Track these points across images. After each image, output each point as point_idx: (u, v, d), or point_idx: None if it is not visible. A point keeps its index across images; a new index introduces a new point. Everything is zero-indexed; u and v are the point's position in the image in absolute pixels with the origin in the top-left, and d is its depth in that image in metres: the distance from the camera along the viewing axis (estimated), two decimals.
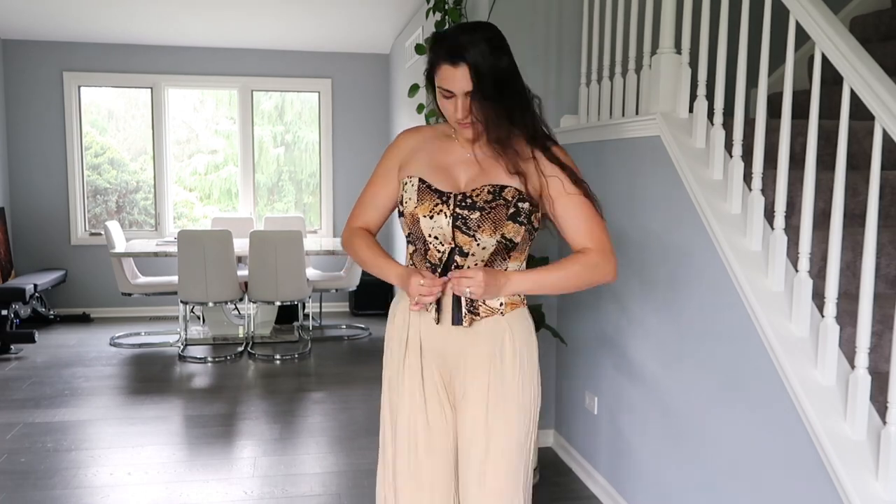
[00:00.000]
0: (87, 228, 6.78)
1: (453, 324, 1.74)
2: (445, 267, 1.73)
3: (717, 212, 2.24)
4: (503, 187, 1.70)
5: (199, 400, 4.37)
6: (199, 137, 7.41)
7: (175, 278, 5.46)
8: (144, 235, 6.78)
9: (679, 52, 2.56)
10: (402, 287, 1.76)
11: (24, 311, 6.01)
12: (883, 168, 1.99)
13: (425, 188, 1.73)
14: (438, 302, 1.74)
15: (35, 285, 5.66)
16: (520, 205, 1.71)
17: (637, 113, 2.75)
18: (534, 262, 3.19)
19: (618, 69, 2.91)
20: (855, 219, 2.25)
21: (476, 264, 1.72)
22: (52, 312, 6.50)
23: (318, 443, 3.73)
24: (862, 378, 1.76)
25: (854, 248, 2.10)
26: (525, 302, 1.84)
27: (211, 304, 5.40)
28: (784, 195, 2.04)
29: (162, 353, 5.48)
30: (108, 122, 7.02)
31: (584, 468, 3.24)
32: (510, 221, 1.70)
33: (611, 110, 2.97)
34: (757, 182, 2.14)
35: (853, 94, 1.82)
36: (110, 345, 5.70)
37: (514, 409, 1.77)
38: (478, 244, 1.70)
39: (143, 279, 5.87)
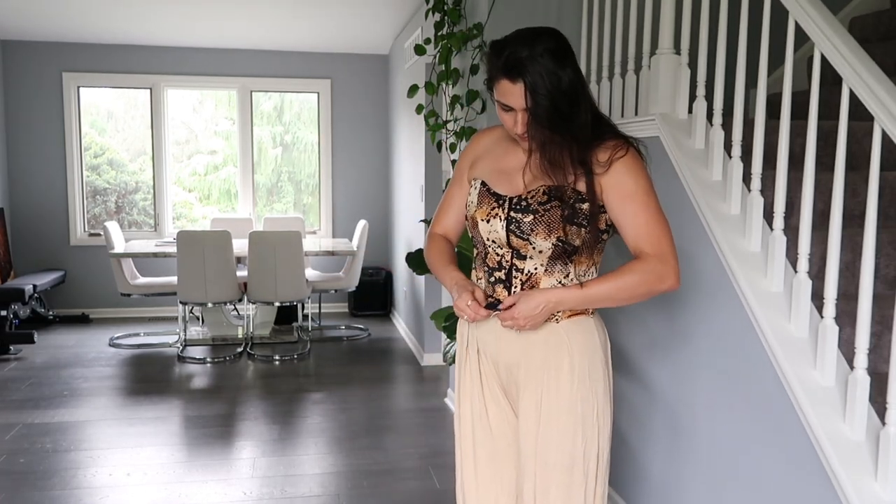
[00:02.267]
0: (87, 229, 6.78)
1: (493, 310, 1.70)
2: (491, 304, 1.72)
3: (717, 212, 2.24)
4: (560, 188, 1.64)
5: (198, 401, 4.36)
6: (198, 138, 7.41)
7: (174, 279, 5.46)
8: (144, 236, 6.78)
9: (678, 52, 2.56)
10: (455, 294, 1.73)
11: (24, 312, 6.00)
12: (882, 169, 1.99)
13: (485, 191, 1.74)
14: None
15: (34, 286, 5.66)
16: (577, 206, 1.65)
17: (636, 114, 2.75)
18: None
19: (617, 70, 2.91)
20: (854, 219, 2.25)
21: (536, 268, 1.69)
22: (51, 313, 6.50)
23: (318, 443, 3.73)
24: (861, 379, 1.76)
25: (853, 248, 2.10)
26: (590, 311, 1.77)
27: (210, 305, 5.40)
28: (783, 196, 2.04)
29: (161, 354, 5.48)
30: (107, 123, 7.02)
31: None
32: (567, 223, 1.64)
33: (610, 111, 2.97)
34: (756, 183, 2.14)
35: (852, 95, 1.82)
36: (109, 345, 5.70)
37: (568, 423, 1.70)
38: (533, 247, 1.68)
39: (142, 280, 5.87)
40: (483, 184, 1.74)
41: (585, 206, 1.65)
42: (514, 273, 1.71)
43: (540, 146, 1.64)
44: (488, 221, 1.71)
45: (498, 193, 1.72)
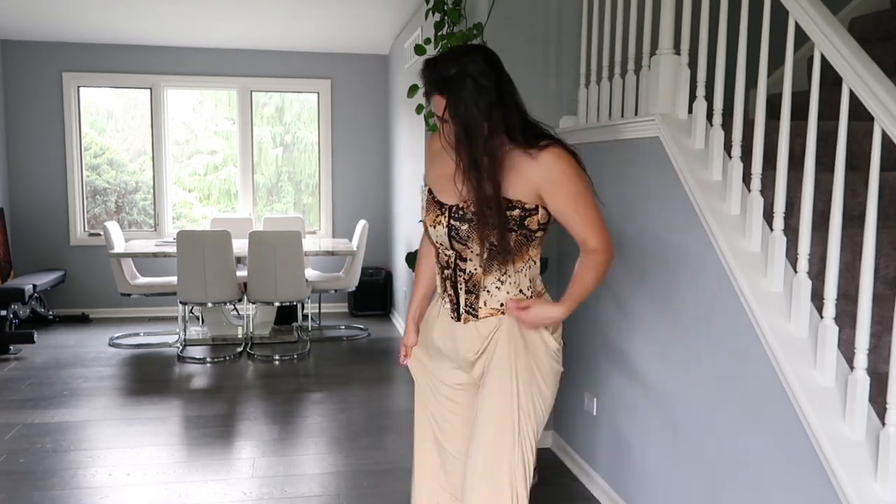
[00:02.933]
0: (87, 229, 6.78)
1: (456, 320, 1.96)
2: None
3: (717, 213, 2.24)
4: (488, 198, 1.77)
5: (198, 401, 4.36)
6: (198, 138, 7.41)
7: (174, 279, 5.46)
8: (143, 236, 6.78)
9: (678, 52, 2.56)
10: (407, 330, 2.17)
11: (24, 312, 6.00)
12: (882, 169, 1.99)
13: (431, 199, 1.90)
14: (454, 302, 1.95)
15: (34, 286, 5.66)
16: (509, 212, 1.79)
17: (636, 114, 2.75)
18: None
19: (617, 70, 2.91)
20: (854, 220, 2.25)
21: (476, 269, 1.88)
22: (51, 313, 6.50)
23: (317, 443, 3.73)
24: (861, 379, 1.76)
25: (853, 249, 2.10)
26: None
27: (210, 305, 5.40)
28: (783, 196, 2.04)
29: (161, 354, 5.48)
30: (107, 123, 7.02)
31: (583, 469, 3.24)
32: (498, 230, 1.78)
33: (610, 111, 2.97)
34: (756, 183, 2.14)
35: (852, 95, 1.82)
36: (109, 345, 5.69)
37: (498, 394, 1.90)
38: (471, 251, 1.85)
39: (142, 280, 5.87)
40: (430, 191, 1.91)
41: (517, 212, 1.80)
42: (458, 272, 1.90)
43: (458, 155, 1.78)
44: (434, 227, 1.88)
45: (441, 202, 1.88)
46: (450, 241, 1.86)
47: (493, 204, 1.76)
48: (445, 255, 1.91)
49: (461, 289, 1.90)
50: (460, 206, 1.83)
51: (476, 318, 1.90)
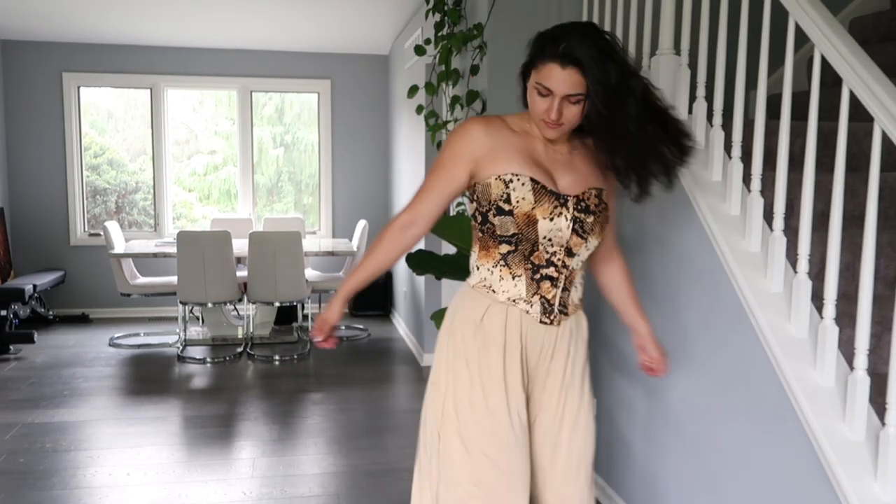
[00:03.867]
0: (87, 229, 6.78)
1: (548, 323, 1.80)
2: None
3: (716, 213, 2.24)
4: (601, 191, 1.77)
5: (197, 401, 4.36)
6: (198, 138, 7.41)
7: (174, 279, 5.46)
8: (143, 236, 6.78)
9: (678, 53, 2.56)
10: (322, 314, 1.87)
11: (24, 312, 6.00)
12: (882, 170, 1.99)
13: (541, 189, 1.69)
14: (551, 303, 1.78)
15: (34, 286, 5.66)
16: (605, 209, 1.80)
17: None
18: None
19: None
20: (854, 220, 2.25)
21: (578, 265, 1.79)
22: (51, 313, 6.50)
23: (317, 443, 3.73)
24: (861, 379, 1.76)
25: (853, 249, 2.10)
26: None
27: (210, 305, 5.40)
28: (783, 197, 2.04)
29: (161, 354, 5.48)
30: (107, 123, 7.02)
31: None
32: (605, 225, 1.80)
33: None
34: (756, 183, 2.14)
35: (852, 96, 1.82)
36: (109, 345, 5.69)
37: (583, 390, 1.88)
38: (586, 247, 1.77)
39: (142, 280, 5.87)
40: (533, 180, 1.69)
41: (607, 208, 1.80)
42: (562, 270, 1.76)
43: (600, 140, 1.70)
44: (551, 220, 1.70)
45: (556, 192, 1.71)
46: (570, 236, 1.73)
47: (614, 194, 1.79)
48: (548, 251, 1.73)
49: (559, 287, 1.77)
50: (581, 197, 1.73)
51: (567, 317, 1.82)
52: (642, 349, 2.00)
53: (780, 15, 2.10)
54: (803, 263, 1.96)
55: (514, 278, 1.74)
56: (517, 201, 1.68)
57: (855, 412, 1.76)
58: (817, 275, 2.07)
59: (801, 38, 2.06)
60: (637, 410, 2.77)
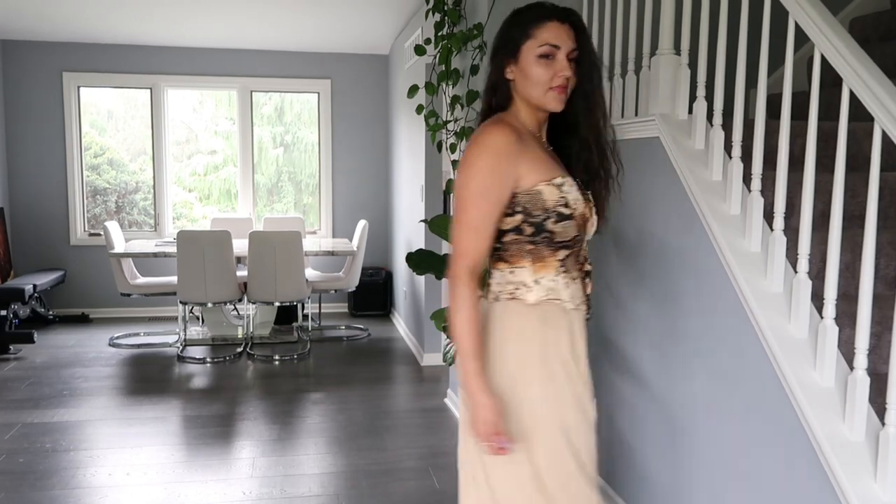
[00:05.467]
0: (87, 229, 6.78)
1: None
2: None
3: (717, 213, 2.24)
4: (605, 171, 1.77)
5: (197, 400, 4.36)
6: (198, 138, 7.40)
7: (174, 279, 5.46)
8: (144, 236, 6.78)
9: (678, 52, 2.56)
10: (481, 414, 1.56)
11: (23, 312, 6.00)
12: (882, 169, 1.99)
13: (579, 186, 1.69)
14: (587, 297, 1.76)
15: (34, 286, 5.66)
16: None
17: (636, 114, 2.75)
18: None
19: (617, 70, 2.91)
20: (854, 220, 2.25)
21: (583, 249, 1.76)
22: (51, 313, 6.50)
23: (317, 443, 3.73)
24: (861, 379, 1.76)
25: (853, 249, 2.10)
26: None
27: (210, 305, 5.40)
28: (783, 196, 2.04)
29: (161, 354, 5.48)
30: (107, 123, 7.02)
31: None
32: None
33: (610, 111, 2.96)
34: (756, 183, 2.14)
35: (852, 96, 1.82)
36: (109, 345, 5.69)
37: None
38: (593, 228, 1.76)
39: (142, 280, 5.87)
40: (575, 180, 1.69)
41: None
42: (587, 262, 1.77)
43: (588, 117, 1.69)
44: (591, 215, 1.72)
45: (582, 188, 1.71)
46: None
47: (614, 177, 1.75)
48: (584, 248, 1.74)
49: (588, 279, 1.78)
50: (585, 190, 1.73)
51: (588, 309, 1.78)
52: None
53: (780, 15, 2.10)
54: (803, 263, 1.96)
55: (574, 281, 1.69)
56: (574, 203, 1.64)
57: (855, 412, 1.76)
58: (817, 274, 2.07)
59: (801, 38, 2.06)
60: (637, 410, 2.76)
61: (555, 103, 1.64)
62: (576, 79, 1.64)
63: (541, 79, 1.61)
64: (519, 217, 1.62)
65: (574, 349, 1.69)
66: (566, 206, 1.62)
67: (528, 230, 1.62)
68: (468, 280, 1.58)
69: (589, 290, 1.75)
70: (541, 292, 1.65)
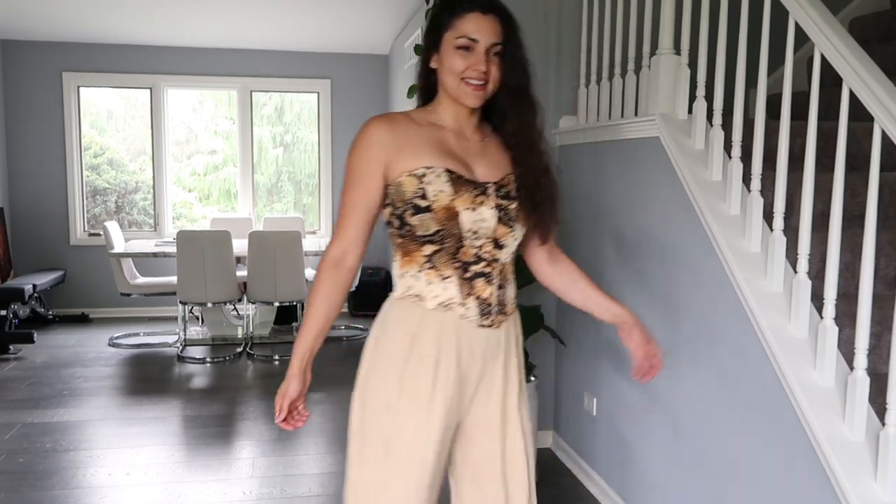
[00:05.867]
0: (86, 229, 6.78)
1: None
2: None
3: (716, 213, 2.24)
4: (522, 175, 1.64)
5: (197, 400, 4.36)
6: (198, 138, 7.41)
7: (174, 279, 5.46)
8: (143, 236, 6.78)
9: (678, 52, 2.56)
10: (284, 387, 1.64)
11: (23, 312, 6.00)
12: (882, 169, 1.99)
13: (458, 179, 1.56)
14: (488, 303, 1.62)
15: (34, 285, 5.66)
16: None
17: (636, 114, 2.75)
18: None
19: (617, 70, 2.91)
20: (854, 220, 2.25)
21: (507, 257, 1.64)
22: (50, 313, 6.50)
23: (317, 443, 3.73)
24: (861, 379, 1.76)
25: (853, 249, 2.10)
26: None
27: (210, 305, 5.40)
28: (783, 196, 2.04)
29: (161, 354, 5.48)
30: (107, 123, 7.02)
31: (583, 469, 3.24)
32: (554, 201, 1.68)
33: (610, 111, 2.97)
34: (756, 183, 2.14)
35: (852, 96, 1.82)
36: (109, 345, 5.69)
37: (521, 399, 1.73)
38: (512, 235, 1.63)
39: (141, 279, 5.87)
40: (449, 171, 1.56)
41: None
42: (494, 264, 1.61)
43: (512, 115, 1.62)
44: (474, 210, 1.56)
45: (475, 181, 1.58)
46: (496, 225, 1.59)
47: (548, 170, 1.64)
48: (475, 246, 1.59)
49: (494, 284, 1.62)
50: (501, 183, 1.61)
51: (506, 316, 1.67)
52: (630, 339, 1.74)
53: (780, 14, 2.10)
54: (803, 263, 1.96)
55: (443, 280, 1.59)
56: (435, 195, 1.54)
57: (855, 412, 1.76)
58: (817, 274, 2.06)
59: (801, 38, 2.06)
60: (637, 410, 2.76)
61: (469, 98, 1.57)
62: (499, 75, 1.57)
63: (455, 70, 1.55)
64: (388, 209, 1.61)
65: (442, 355, 1.58)
66: (423, 197, 1.54)
67: (396, 223, 1.60)
68: (327, 265, 1.60)
69: (486, 295, 1.60)
70: (402, 288, 1.63)
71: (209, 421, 4.00)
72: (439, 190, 1.54)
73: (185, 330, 5.67)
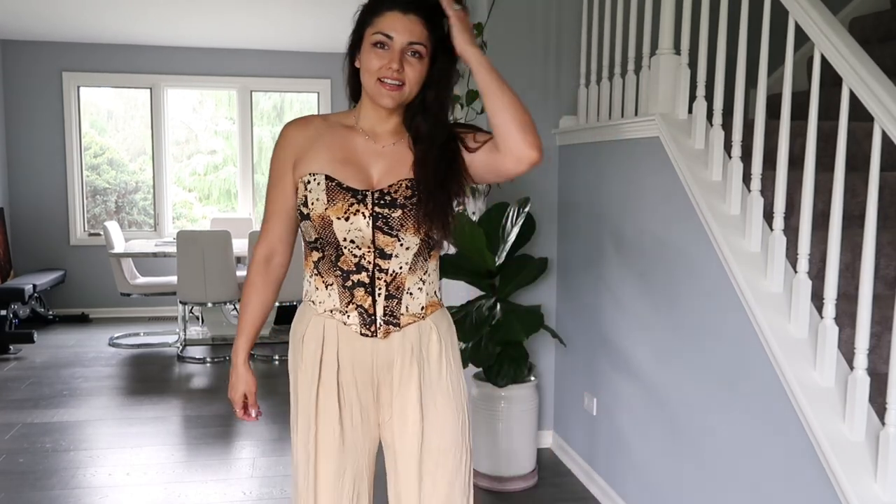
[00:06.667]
0: (87, 229, 6.78)
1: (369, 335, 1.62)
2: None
3: (716, 213, 2.24)
4: (421, 180, 1.56)
5: (197, 400, 4.36)
6: (198, 138, 7.41)
7: (174, 279, 5.46)
8: (143, 236, 6.78)
9: (678, 52, 2.56)
10: (232, 381, 1.73)
11: (23, 312, 6.00)
12: (882, 169, 1.99)
13: (335, 186, 1.54)
14: (369, 313, 1.60)
15: (34, 285, 5.66)
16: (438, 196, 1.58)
17: (636, 114, 2.75)
18: (534, 263, 3.18)
19: (617, 70, 2.91)
20: (854, 220, 2.25)
21: (401, 267, 1.58)
22: (50, 313, 6.50)
23: None
24: (861, 379, 1.76)
25: (853, 249, 2.10)
26: (442, 303, 1.72)
27: (210, 305, 5.40)
28: (783, 196, 2.04)
29: (161, 354, 5.48)
30: (107, 123, 7.02)
31: (583, 469, 3.24)
32: (446, 214, 1.57)
33: (610, 111, 2.97)
34: (756, 183, 2.14)
35: (852, 96, 1.82)
36: (109, 345, 5.69)
37: (448, 407, 1.66)
38: (401, 244, 1.57)
39: (141, 279, 5.87)
40: (328, 178, 1.54)
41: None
42: (377, 274, 1.58)
43: (417, 118, 1.57)
44: (347, 219, 1.54)
45: (353, 188, 1.55)
46: (373, 234, 1.56)
47: (447, 180, 1.55)
48: (355, 255, 1.56)
49: (380, 295, 1.58)
50: (386, 191, 1.55)
51: (398, 328, 1.61)
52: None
53: (780, 14, 2.10)
54: (803, 263, 1.95)
55: (327, 287, 1.60)
56: (312, 203, 1.55)
57: (855, 412, 1.76)
58: (817, 274, 2.06)
59: (801, 38, 2.06)
60: (637, 410, 2.76)
61: (383, 98, 1.53)
62: (416, 77, 1.52)
63: (371, 67, 1.51)
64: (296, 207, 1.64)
65: (324, 357, 1.61)
66: (305, 204, 1.57)
67: (298, 222, 1.65)
68: (256, 264, 1.67)
69: (366, 305, 1.58)
70: (304, 289, 1.68)
71: (209, 421, 4.00)
72: (316, 198, 1.55)
73: (185, 330, 5.67)
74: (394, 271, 1.58)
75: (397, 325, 1.61)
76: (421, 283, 1.62)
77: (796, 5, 1.97)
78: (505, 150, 1.50)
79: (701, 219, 2.29)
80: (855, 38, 2.05)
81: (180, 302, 5.40)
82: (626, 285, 2.83)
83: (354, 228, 1.55)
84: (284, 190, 1.62)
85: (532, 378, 3.20)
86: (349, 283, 1.58)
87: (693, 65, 2.51)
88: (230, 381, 1.74)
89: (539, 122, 3.68)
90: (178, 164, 7.20)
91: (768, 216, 2.13)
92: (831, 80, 2.14)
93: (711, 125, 2.36)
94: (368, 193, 1.55)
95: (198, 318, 6.26)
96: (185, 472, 3.33)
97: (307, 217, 1.57)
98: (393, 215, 1.55)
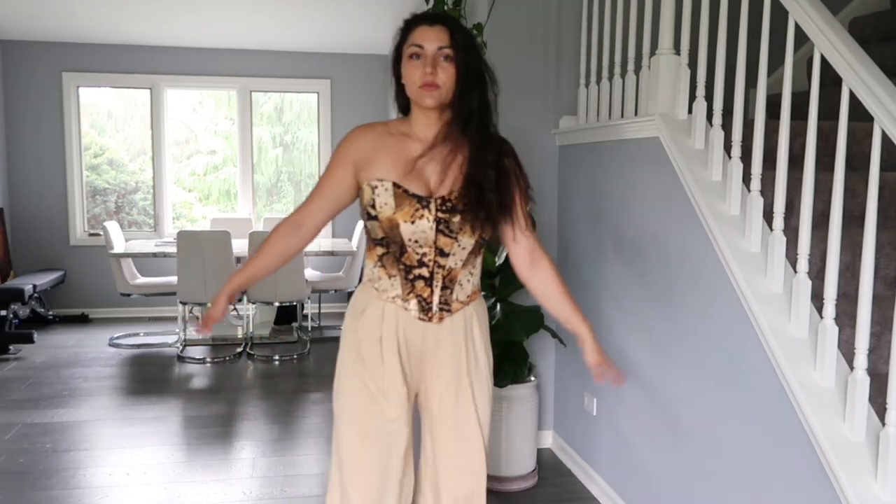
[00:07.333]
0: (86, 229, 6.78)
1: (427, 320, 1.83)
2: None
3: (716, 213, 2.24)
4: (477, 183, 1.76)
5: (197, 401, 4.36)
6: (198, 138, 7.41)
7: (174, 279, 5.46)
8: (143, 236, 6.78)
9: (678, 52, 2.56)
10: (216, 300, 1.91)
11: (23, 312, 6.00)
12: (882, 169, 1.99)
13: (402, 193, 1.74)
14: (427, 302, 1.81)
15: (34, 286, 5.66)
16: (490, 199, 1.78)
17: (636, 114, 2.75)
18: None
19: (617, 70, 2.91)
20: (854, 220, 2.25)
21: (456, 263, 1.80)
22: (50, 313, 6.50)
23: (317, 443, 3.73)
24: (861, 379, 1.76)
25: (853, 249, 2.10)
26: (480, 290, 1.94)
27: (210, 305, 5.38)
28: (783, 196, 2.04)
29: (161, 354, 5.48)
30: (107, 123, 7.02)
31: (583, 469, 3.24)
32: (486, 220, 1.78)
33: (610, 111, 2.97)
34: (756, 183, 2.14)
35: (852, 96, 1.82)
36: (109, 345, 5.69)
37: (482, 379, 1.90)
38: (459, 244, 1.78)
39: (141, 280, 5.87)
40: (396, 185, 1.74)
41: (494, 196, 1.77)
42: (436, 270, 1.79)
43: (457, 87, 1.73)
44: (413, 223, 1.74)
45: (419, 195, 1.74)
46: (435, 237, 1.76)
47: (493, 188, 1.75)
48: (417, 252, 1.77)
49: (437, 286, 1.80)
50: (447, 197, 1.75)
51: (450, 313, 1.83)
52: (585, 353, 1.93)
53: (780, 14, 2.10)
54: (803, 263, 1.96)
55: (390, 278, 1.81)
56: (381, 207, 1.75)
57: (855, 412, 1.76)
58: (817, 274, 2.07)
59: (801, 38, 2.06)
60: (637, 410, 2.76)
61: (424, 99, 1.73)
62: (449, 77, 1.72)
63: (411, 77, 1.73)
64: (361, 207, 1.83)
65: (384, 334, 1.81)
66: (373, 206, 1.76)
67: (364, 219, 1.82)
68: (287, 222, 1.86)
69: (426, 295, 1.80)
70: (367, 275, 1.87)
71: (209, 421, 4.00)
72: (384, 202, 1.74)
73: (185, 330, 5.67)
74: (450, 267, 1.80)
75: (449, 311, 1.83)
76: (470, 275, 1.85)
77: (796, 5, 1.97)
78: (515, 259, 1.90)
79: (701, 219, 2.29)
80: (855, 38, 2.05)
81: (180, 302, 5.40)
82: (626, 285, 2.83)
83: (419, 231, 1.75)
84: (336, 179, 1.82)
85: (532, 378, 3.21)
86: (411, 276, 1.79)
87: (693, 65, 2.51)
88: (210, 307, 1.94)
89: (539, 122, 3.69)
90: (177, 164, 7.20)
91: (768, 216, 2.13)
92: (831, 80, 2.14)
93: (711, 125, 2.36)
94: (432, 200, 1.75)
95: (198, 319, 6.25)
96: (185, 473, 3.33)
97: (374, 218, 1.77)
98: (453, 220, 1.75)
